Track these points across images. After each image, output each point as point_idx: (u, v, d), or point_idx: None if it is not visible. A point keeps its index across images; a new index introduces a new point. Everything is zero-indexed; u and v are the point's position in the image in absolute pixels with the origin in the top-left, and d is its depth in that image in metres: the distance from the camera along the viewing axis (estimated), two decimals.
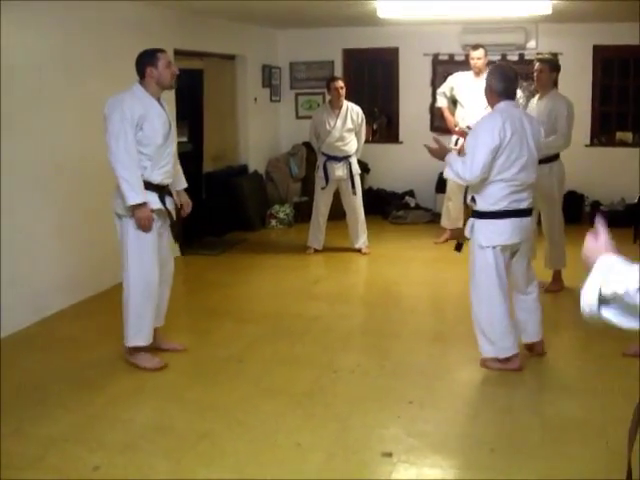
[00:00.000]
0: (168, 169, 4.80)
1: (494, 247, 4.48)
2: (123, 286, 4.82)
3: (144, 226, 4.61)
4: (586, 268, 2.10)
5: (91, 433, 4.03)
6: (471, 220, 4.62)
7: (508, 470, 3.60)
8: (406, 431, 4.00)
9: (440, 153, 4.69)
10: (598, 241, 2.15)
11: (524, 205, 4.55)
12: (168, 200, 4.83)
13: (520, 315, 4.89)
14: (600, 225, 2.19)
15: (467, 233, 4.65)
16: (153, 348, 5.01)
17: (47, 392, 4.58)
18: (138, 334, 4.83)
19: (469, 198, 4.63)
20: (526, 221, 4.60)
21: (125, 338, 4.86)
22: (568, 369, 4.90)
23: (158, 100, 4.78)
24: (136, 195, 4.53)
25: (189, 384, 4.72)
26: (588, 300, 1.99)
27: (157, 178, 4.72)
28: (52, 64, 5.95)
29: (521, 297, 4.87)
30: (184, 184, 5.20)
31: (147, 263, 4.73)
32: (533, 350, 4.98)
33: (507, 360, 4.68)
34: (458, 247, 4.90)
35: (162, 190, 4.79)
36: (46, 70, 5.87)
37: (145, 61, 4.73)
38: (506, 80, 4.55)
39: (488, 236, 4.50)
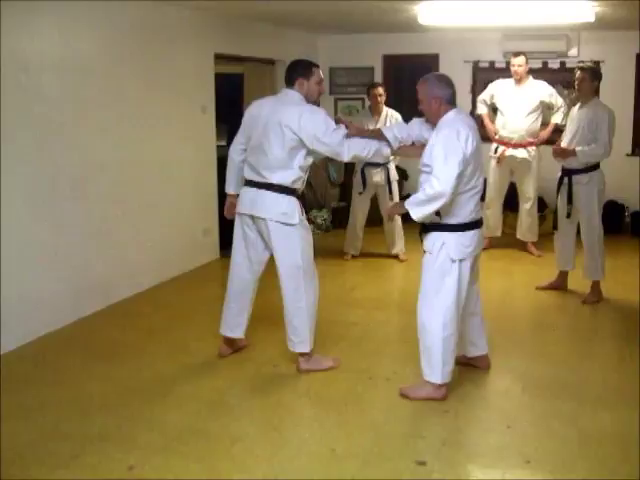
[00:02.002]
0: None
1: (461, 260, 4.34)
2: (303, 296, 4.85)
3: None
4: None
5: (127, 434, 4.07)
6: (437, 235, 4.35)
7: None
8: (441, 440, 3.98)
9: (397, 210, 4.59)
10: None
11: (480, 215, 4.51)
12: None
13: (471, 331, 4.79)
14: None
15: (430, 247, 4.38)
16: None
17: (84, 392, 4.63)
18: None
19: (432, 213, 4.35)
20: (482, 230, 4.55)
21: (304, 345, 4.91)
22: (605, 381, 4.83)
23: None
24: None
25: (225, 388, 4.74)
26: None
27: None
28: (92, 68, 6.01)
29: (471, 316, 4.73)
30: None
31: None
32: (480, 364, 4.91)
33: (438, 389, 4.44)
34: None
35: None
36: (86, 74, 5.93)
37: (298, 71, 4.79)
38: (450, 86, 4.38)
39: (460, 249, 4.33)
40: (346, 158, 4.68)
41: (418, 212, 4.23)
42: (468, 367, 4.88)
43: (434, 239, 4.36)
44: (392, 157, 7.72)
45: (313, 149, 4.64)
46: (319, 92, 4.86)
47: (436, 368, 4.39)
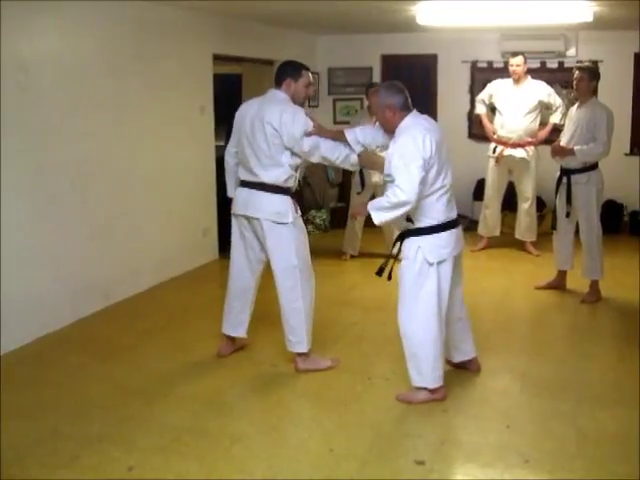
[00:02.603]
0: None
1: (439, 263, 4.27)
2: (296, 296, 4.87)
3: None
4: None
5: (126, 434, 4.07)
6: (412, 240, 4.31)
7: None
8: (440, 439, 3.99)
9: (362, 211, 4.44)
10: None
11: (455, 214, 4.42)
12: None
13: (455, 336, 4.72)
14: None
15: (406, 253, 4.34)
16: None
17: (84, 393, 4.63)
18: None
19: (404, 218, 4.32)
20: (460, 230, 4.47)
21: (301, 345, 4.93)
22: (604, 380, 4.84)
23: None
24: None
25: (224, 388, 4.75)
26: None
27: None
28: (91, 69, 6.01)
29: (455, 321, 4.66)
30: None
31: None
32: (469, 367, 4.87)
33: (435, 391, 4.41)
34: (380, 272, 4.54)
35: None
36: (85, 75, 5.94)
37: (288, 72, 4.82)
38: (401, 92, 4.31)
39: (436, 251, 4.26)
40: (315, 159, 4.74)
41: (381, 217, 4.22)
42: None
43: (409, 245, 4.33)
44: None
45: (290, 148, 4.66)
46: (306, 95, 4.87)
47: (426, 374, 4.36)
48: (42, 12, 5.41)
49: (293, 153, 4.69)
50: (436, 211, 4.26)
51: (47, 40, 5.57)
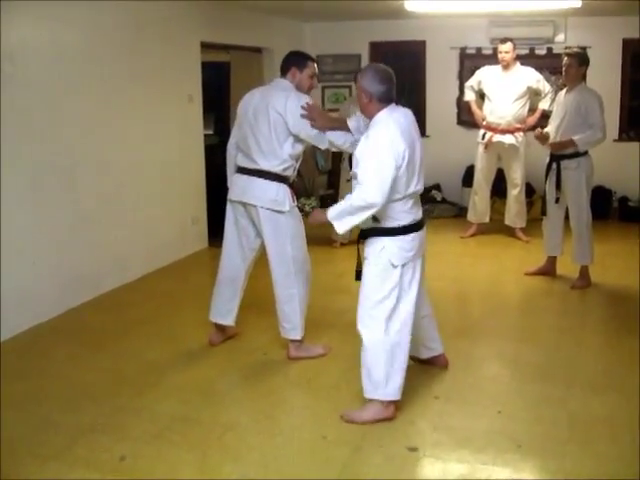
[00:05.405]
0: None
1: (403, 265, 4.01)
2: (291, 285, 4.87)
3: None
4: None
5: (118, 424, 4.06)
6: (376, 239, 4.01)
7: (535, 466, 3.60)
8: (432, 426, 4.00)
9: (321, 218, 4.11)
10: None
11: (421, 214, 4.18)
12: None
13: (421, 334, 4.52)
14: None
15: (369, 254, 4.04)
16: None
17: (74, 383, 4.62)
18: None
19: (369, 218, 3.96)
20: (424, 232, 4.20)
21: (296, 332, 4.93)
22: (594, 365, 4.86)
23: None
24: None
25: (215, 376, 4.75)
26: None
27: None
28: (77, 57, 5.98)
29: (420, 318, 4.39)
30: None
31: None
32: (437, 363, 4.74)
33: (386, 406, 4.05)
34: (358, 275, 4.17)
35: None
36: (71, 63, 5.91)
37: (293, 61, 4.82)
38: (385, 82, 3.94)
39: (400, 254, 3.97)
40: (323, 145, 4.70)
41: (344, 224, 3.93)
42: (453, 355, 4.87)
43: (373, 244, 4.02)
44: None
45: (296, 134, 4.64)
46: (310, 86, 4.84)
47: (379, 384, 4.02)
48: (28, 0, 5.37)
49: (297, 140, 4.68)
50: (402, 212, 3.98)
51: (32, 29, 5.52)
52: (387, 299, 4.00)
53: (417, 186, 4.03)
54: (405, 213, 4.00)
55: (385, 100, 3.96)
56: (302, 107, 4.59)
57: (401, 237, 3.98)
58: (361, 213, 3.86)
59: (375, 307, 4.02)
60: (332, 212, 3.98)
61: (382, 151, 3.81)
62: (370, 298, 4.03)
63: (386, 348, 4.01)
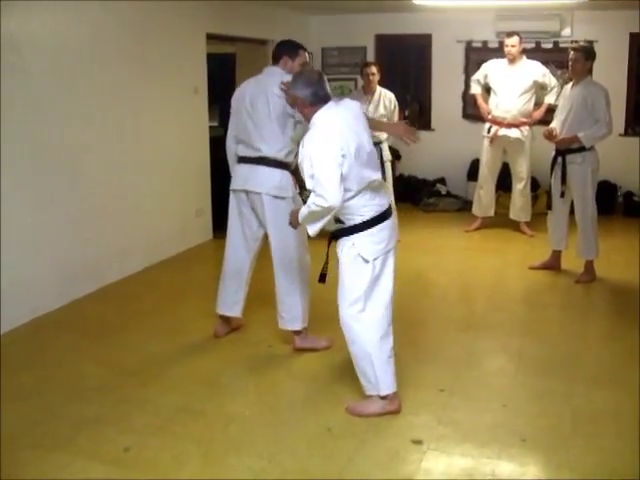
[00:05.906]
0: None
1: (375, 259, 3.95)
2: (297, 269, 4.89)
3: None
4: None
5: (122, 415, 4.07)
6: (345, 238, 3.95)
7: (539, 460, 3.59)
8: (436, 419, 4.00)
9: (295, 218, 4.04)
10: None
11: (386, 201, 4.02)
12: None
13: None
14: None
15: (340, 253, 3.99)
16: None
17: (78, 374, 4.63)
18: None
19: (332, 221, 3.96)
20: (393, 220, 4.09)
21: (295, 322, 4.94)
22: (599, 360, 4.86)
23: None
24: None
25: (220, 368, 4.75)
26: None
27: None
28: (83, 49, 5.97)
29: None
30: None
31: None
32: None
33: (386, 398, 4.04)
34: (322, 278, 4.18)
35: None
36: (77, 55, 5.90)
37: (285, 50, 4.85)
38: (309, 85, 3.89)
39: (371, 248, 3.91)
40: None
41: (312, 229, 3.91)
42: (457, 348, 4.86)
43: (343, 244, 3.97)
44: (385, 137, 7.67)
45: (293, 114, 4.63)
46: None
47: (376, 381, 4.02)
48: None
49: (298, 122, 4.66)
50: (363, 207, 3.89)
51: (40, 22, 5.51)
52: (363, 295, 3.96)
53: (372, 177, 3.91)
54: (366, 207, 3.91)
55: (317, 101, 3.90)
56: (282, 83, 4.57)
57: (368, 231, 3.91)
58: (322, 218, 3.83)
59: (353, 305, 3.98)
60: (300, 216, 3.95)
61: (321, 152, 3.73)
62: (347, 297, 4.00)
63: (370, 344, 3.97)
